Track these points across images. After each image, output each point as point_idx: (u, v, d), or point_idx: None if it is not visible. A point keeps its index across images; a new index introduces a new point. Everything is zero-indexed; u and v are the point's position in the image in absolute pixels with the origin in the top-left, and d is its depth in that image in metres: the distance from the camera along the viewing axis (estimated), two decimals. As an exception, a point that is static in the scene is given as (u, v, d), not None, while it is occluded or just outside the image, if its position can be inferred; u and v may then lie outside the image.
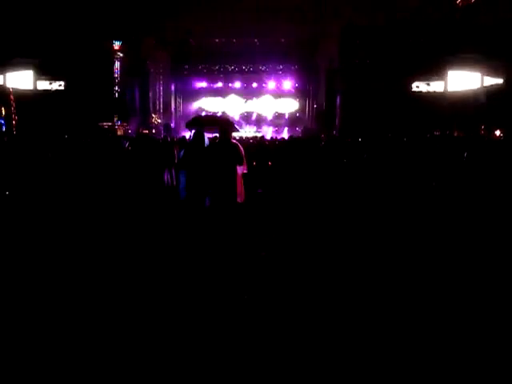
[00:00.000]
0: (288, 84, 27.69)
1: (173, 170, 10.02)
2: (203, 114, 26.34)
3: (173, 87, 27.52)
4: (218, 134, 7.89)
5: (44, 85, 21.26)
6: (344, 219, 7.34)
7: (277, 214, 7.91)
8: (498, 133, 16.24)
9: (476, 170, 6.60)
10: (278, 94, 28.07)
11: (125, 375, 2.92)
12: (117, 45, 22.50)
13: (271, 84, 27.81)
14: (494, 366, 3.02)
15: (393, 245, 5.90)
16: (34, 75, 20.84)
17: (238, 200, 6.51)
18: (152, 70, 25.04)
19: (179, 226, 6.72)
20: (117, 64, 22.94)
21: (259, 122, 28.38)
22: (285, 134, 23.13)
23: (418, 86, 21.71)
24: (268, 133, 25.22)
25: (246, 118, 28.41)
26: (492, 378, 2.90)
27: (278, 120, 28.34)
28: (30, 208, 7.43)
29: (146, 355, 3.11)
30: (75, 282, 4.49)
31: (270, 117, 28.48)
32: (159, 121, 25.59)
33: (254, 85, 27.85)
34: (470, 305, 3.97)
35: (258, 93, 28.23)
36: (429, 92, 21.59)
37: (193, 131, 7.89)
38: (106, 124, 21.46)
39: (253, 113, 28.60)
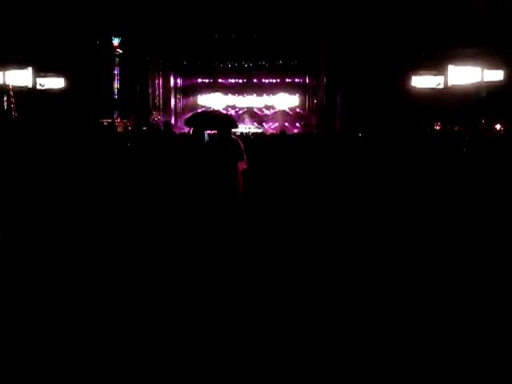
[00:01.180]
0: (288, 79, 27.63)
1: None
2: (202, 110, 26.29)
3: (172, 83, 27.47)
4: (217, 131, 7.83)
5: (43, 82, 21.22)
6: (342, 213, 7.33)
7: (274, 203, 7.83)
8: (498, 127, 16.22)
9: (475, 165, 6.59)
10: (278, 89, 28.02)
11: (124, 373, 2.93)
12: (116, 41, 22.48)
13: (271, 80, 27.74)
14: (494, 365, 3.03)
15: (392, 239, 5.90)
16: (33, 72, 20.81)
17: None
18: (151, 67, 25.00)
19: (178, 222, 6.71)
20: (116, 60, 22.92)
21: (259, 117, 28.34)
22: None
23: (418, 81, 21.65)
24: (268, 128, 25.20)
25: (246, 113, 28.36)
26: (492, 378, 2.91)
27: (278, 115, 28.29)
28: (27, 206, 7.43)
29: (146, 351, 3.12)
30: (73, 280, 4.49)
31: (270, 112, 28.43)
32: (159, 117, 25.56)
33: (254, 80, 27.79)
34: (470, 301, 3.98)
35: (258, 88, 28.18)
36: (429, 86, 21.53)
37: (192, 128, 7.84)
38: (105, 121, 21.45)
39: (253, 108, 28.55)
